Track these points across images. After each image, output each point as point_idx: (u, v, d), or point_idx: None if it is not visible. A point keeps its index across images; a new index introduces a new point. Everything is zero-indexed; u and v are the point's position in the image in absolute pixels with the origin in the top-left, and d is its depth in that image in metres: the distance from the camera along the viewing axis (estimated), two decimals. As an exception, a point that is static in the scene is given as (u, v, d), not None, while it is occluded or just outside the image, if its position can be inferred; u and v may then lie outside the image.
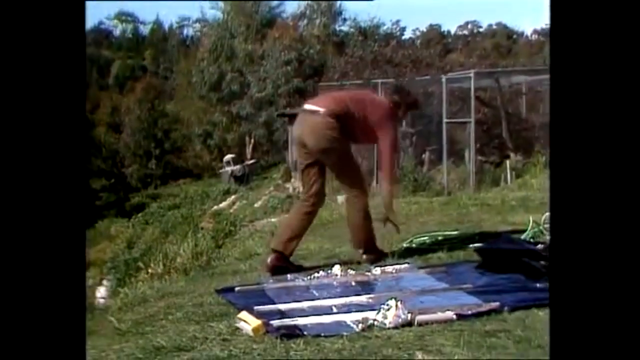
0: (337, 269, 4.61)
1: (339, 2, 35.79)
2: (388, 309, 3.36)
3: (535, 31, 59.67)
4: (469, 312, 3.45)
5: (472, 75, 13.28)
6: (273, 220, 9.38)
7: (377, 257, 5.04)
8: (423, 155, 15.40)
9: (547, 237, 5.25)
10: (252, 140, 33.35)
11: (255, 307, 3.71)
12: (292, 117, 24.59)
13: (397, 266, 4.73)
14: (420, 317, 3.36)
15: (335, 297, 3.98)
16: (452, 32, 65.07)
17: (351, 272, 4.60)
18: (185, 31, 62.88)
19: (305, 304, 3.86)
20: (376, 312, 3.39)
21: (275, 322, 3.41)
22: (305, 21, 35.99)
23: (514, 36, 61.31)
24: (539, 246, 4.71)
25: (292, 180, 23.28)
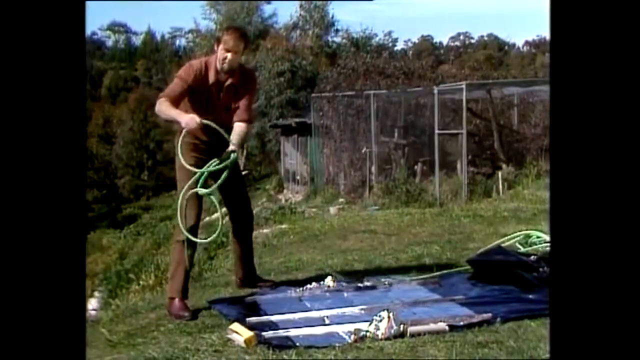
0: (329, 280, 4.60)
1: (331, 13, 35.94)
2: (380, 320, 3.36)
3: (526, 42, 60.19)
4: (461, 323, 3.46)
5: (464, 86, 13.33)
6: (265, 231, 9.35)
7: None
8: (415, 167, 15.44)
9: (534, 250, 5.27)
10: (245, 152, 33.34)
11: (247, 319, 3.71)
12: (285, 128, 24.68)
13: (390, 277, 4.73)
14: (412, 329, 3.36)
15: (327, 309, 3.97)
16: (444, 43, 65.62)
17: (343, 283, 4.59)
18: (177, 42, 62.94)
19: (297, 315, 3.85)
20: (368, 323, 3.39)
21: (267, 334, 3.40)
22: (298, 32, 36.08)
23: (506, 47, 61.77)
24: (532, 258, 4.73)
25: (285, 191, 23.29)
